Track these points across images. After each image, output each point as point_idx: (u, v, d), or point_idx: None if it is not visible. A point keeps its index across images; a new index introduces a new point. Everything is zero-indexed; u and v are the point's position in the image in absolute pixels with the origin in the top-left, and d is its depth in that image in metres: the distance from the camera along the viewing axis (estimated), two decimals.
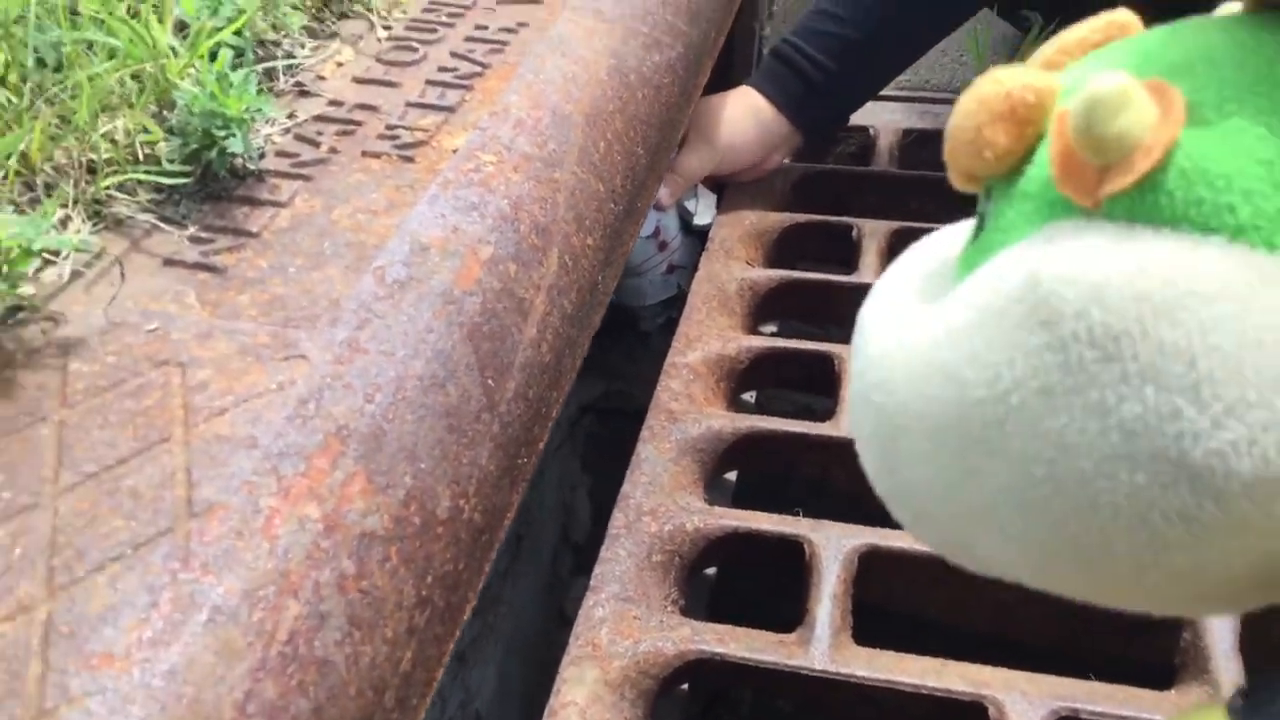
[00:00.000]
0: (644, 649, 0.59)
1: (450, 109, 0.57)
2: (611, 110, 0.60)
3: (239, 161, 0.50)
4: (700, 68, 0.77)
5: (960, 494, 0.24)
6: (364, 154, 0.53)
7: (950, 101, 1.15)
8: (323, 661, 0.33)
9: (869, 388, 0.27)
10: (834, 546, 0.64)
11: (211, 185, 0.50)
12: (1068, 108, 0.23)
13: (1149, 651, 0.62)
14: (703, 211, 0.91)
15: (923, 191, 0.97)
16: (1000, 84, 0.25)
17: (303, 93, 0.58)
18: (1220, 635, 0.57)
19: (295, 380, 0.39)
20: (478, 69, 0.61)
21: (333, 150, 0.53)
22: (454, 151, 0.53)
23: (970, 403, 0.24)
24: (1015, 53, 1.05)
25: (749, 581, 0.78)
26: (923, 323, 0.26)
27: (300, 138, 0.54)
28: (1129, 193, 0.23)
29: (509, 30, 0.65)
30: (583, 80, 0.60)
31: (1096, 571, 0.23)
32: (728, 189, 0.95)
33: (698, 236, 0.94)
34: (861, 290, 0.89)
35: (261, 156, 0.52)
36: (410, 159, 0.52)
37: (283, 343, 0.41)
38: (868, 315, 0.28)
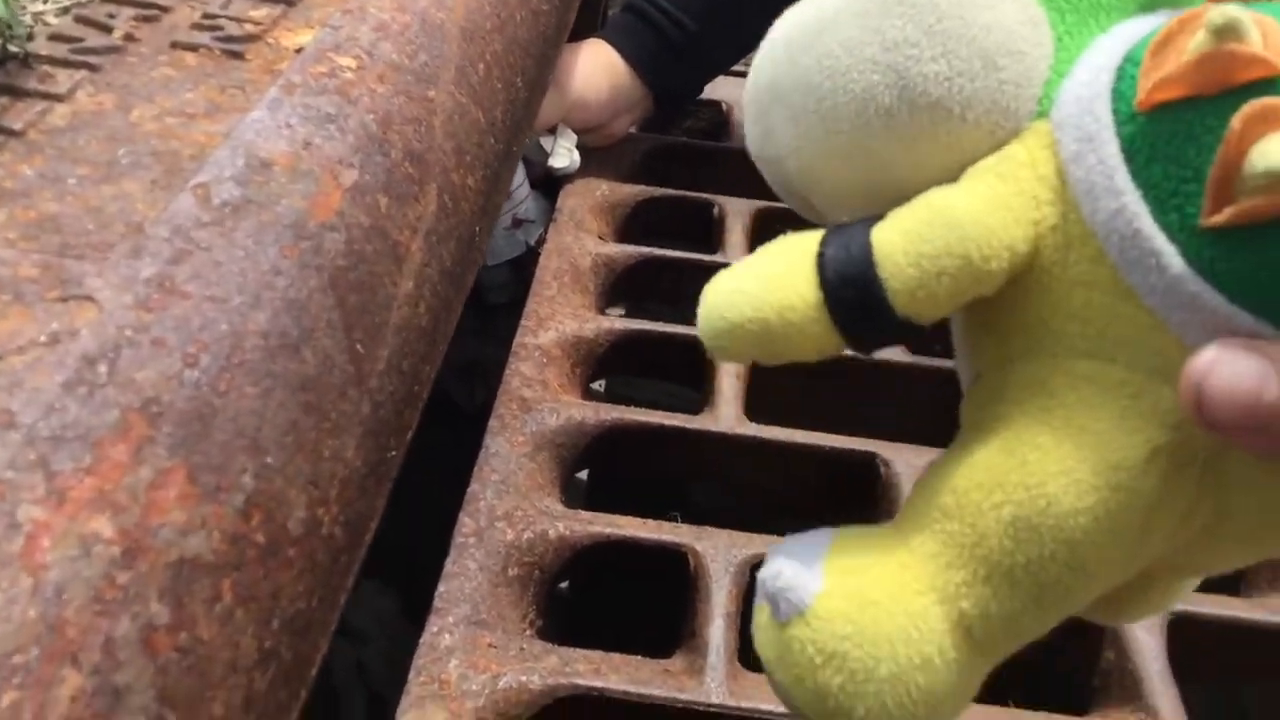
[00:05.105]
0: (504, 685, 0.49)
1: (288, 2, 0.44)
2: (490, 28, 0.49)
3: None
4: (571, 6, 0.67)
5: (791, 76, 0.29)
6: (174, 45, 0.40)
7: None
8: None
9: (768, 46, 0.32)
10: (723, 558, 0.55)
11: None
12: None
13: (1069, 670, 0.56)
14: (560, 152, 0.80)
15: None
16: None
17: None
18: (1149, 655, 0.52)
19: (77, 331, 0.26)
20: None
21: (129, 38, 0.40)
22: (297, 51, 0.40)
23: (810, 18, 0.29)
24: None
25: (601, 597, 0.69)
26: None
27: (85, 20, 0.41)
28: None
29: None
30: None
31: (829, 143, 0.29)
32: None
33: (551, 189, 0.83)
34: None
35: (29, 38, 0.39)
36: (238, 55, 0.40)
37: (58, 278, 0.28)
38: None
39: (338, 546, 0.31)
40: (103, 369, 0.26)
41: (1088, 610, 0.28)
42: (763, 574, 0.27)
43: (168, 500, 0.25)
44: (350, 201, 0.35)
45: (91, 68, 0.38)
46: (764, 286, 0.27)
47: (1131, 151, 0.24)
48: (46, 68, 0.37)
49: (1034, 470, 0.25)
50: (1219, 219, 0.23)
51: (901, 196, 0.27)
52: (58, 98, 0.36)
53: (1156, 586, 0.30)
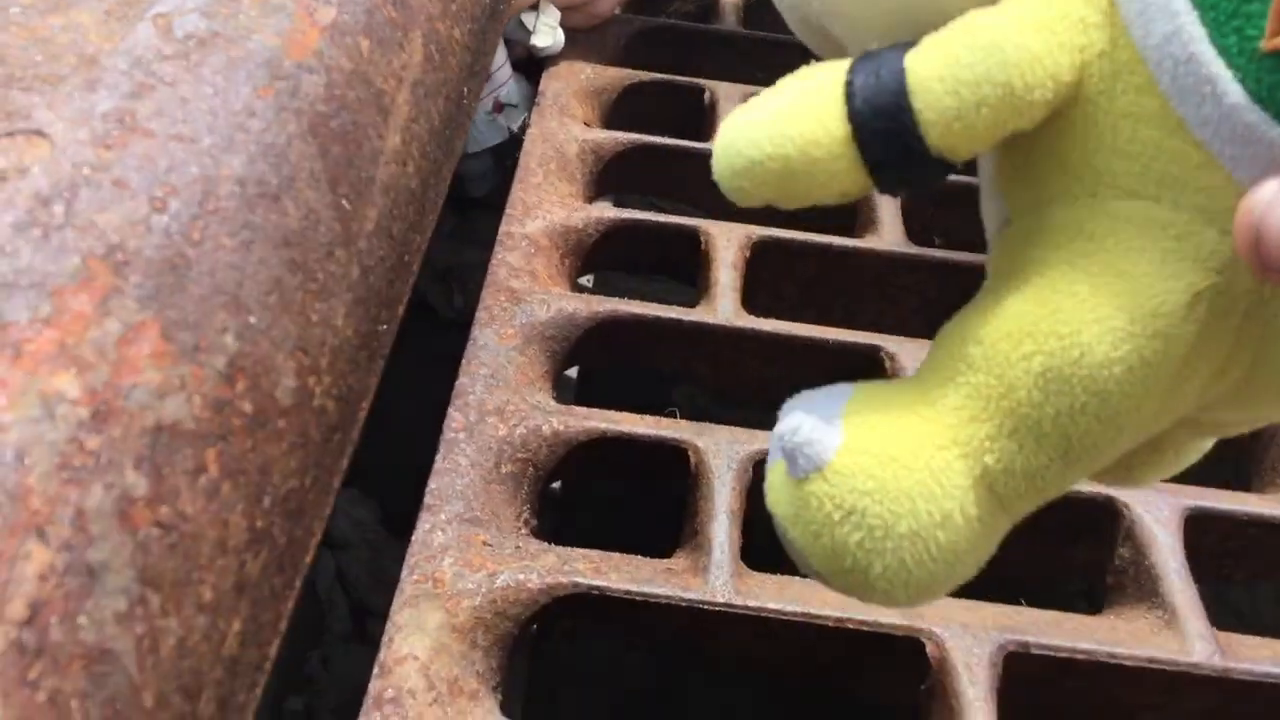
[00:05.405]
0: (501, 584, 0.46)
1: None
2: None
3: None
4: None
5: None
6: None
7: None
8: (96, 653, 0.18)
9: None
10: (725, 454, 0.53)
11: None
12: None
13: (1077, 569, 0.55)
14: (543, 30, 0.75)
15: (772, 57, 0.86)
16: None
17: None
18: (1167, 551, 0.51)
19: (28, 168, 0.23)
20: None
21: None
22: None
23: None
24: None
25: (595, 496, 0.66)
26: None
27: None
28: None
29: None
30: None
31: None
32: None
33: (533, 72, 0.79)
34: None
35: None
36: None
37: (3, 110, 0.24)
38: None
39: (330, 422, 0.27)
40: (59, 210, 0.22)
41: (1101, 474, 0.28)
42: (779, 429, 0.26)
43: (140, 358, 0.21)
44: (329, 41, 0.31)
45: None
46: (786, 120, 0.25)
47: None
48: None
49: (1068, 318, 0.23)
50: None
51: (932, 24, 0.25)
52: None
53: (1171, 446, 0.29)
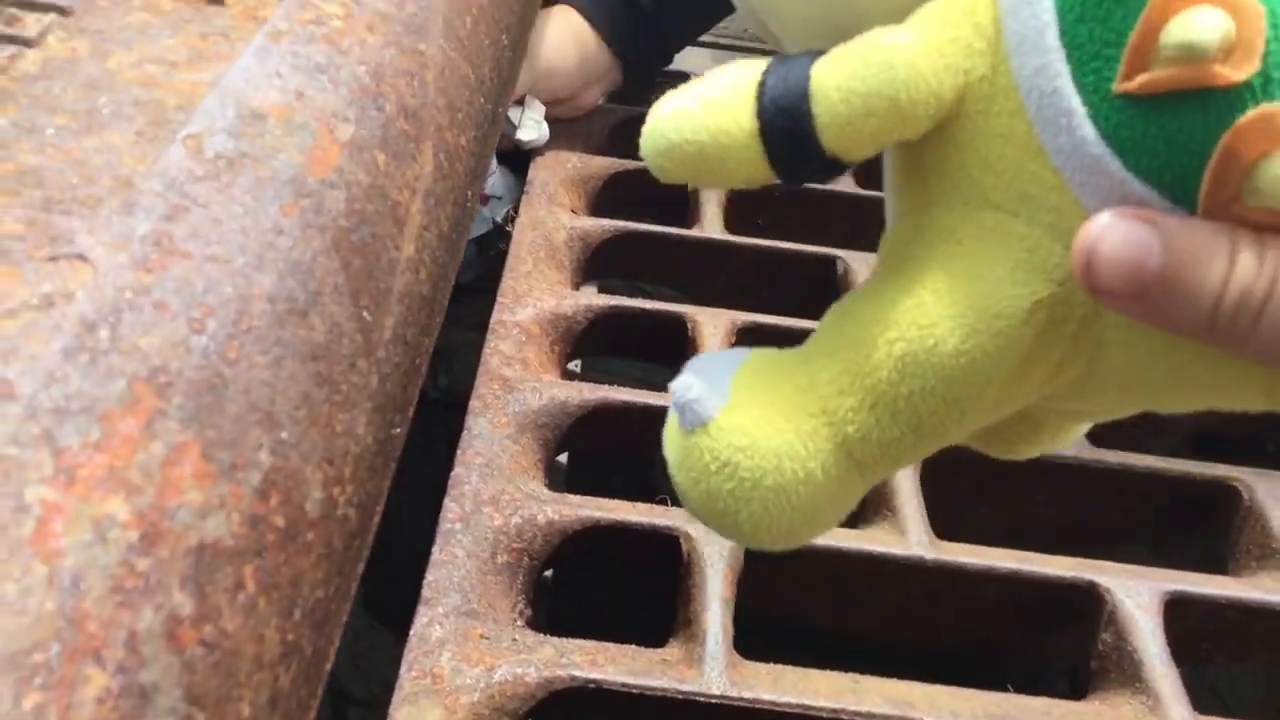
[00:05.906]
0: (499, 678, 0.46)
1: None
2: None
3: None
4: None
5: None
6: None
7: (768, 52, 1.08)
8: None
9: None
10: (716, 541, 0.54)
11: None
12: None
13: (1061, 653, 0.55)
14: (529, 124, 0.77)
15: None
16: None
17: None
18: (1148, 636, 0.52)
19: (72, 292, 0.24)
20: None
21: None
22: None
23: None
24: None
25: (585, 583, 0.67)
26: None
27: None
28: None
29: None
30: None
31: None
32: None
33: (517, 164, 0.80)
34: (706, 245, 0.79)
35: None
36: (217, 0, 0.37)
37: (45, 234, 0.25)
38: None
39: (351, 530, 0.28)
40: (104, 334, 0.23)
41: (984, 445, 0.31)
42: (674, 385, 0.29)
43: (183, 479, 0.22)
44: (348, 157, 0.32)
45: (61, 10, 0.34)
46: (705, 109, 0.27)
47: (1064, 9, 0.25)
48: (13, 10, 0.34)
49: (929, 312, 0.26)
50: (1130, 86, 0.23)
51: (850, 32, 0.27)
52: (27, 42, 0.33)
53: (1046, 428, 0.32)
